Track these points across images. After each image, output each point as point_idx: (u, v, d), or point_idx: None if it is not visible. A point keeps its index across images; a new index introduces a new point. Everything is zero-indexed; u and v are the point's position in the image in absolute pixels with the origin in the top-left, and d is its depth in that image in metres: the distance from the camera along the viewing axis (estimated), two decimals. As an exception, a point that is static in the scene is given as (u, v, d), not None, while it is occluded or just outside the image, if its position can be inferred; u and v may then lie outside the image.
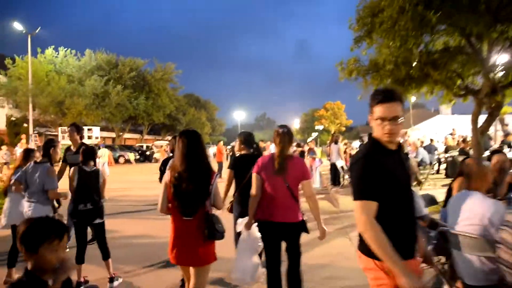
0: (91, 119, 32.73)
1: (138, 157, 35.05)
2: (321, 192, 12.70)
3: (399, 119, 2.05)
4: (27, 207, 4.63)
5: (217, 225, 3.01)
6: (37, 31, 28.81)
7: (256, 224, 3.62)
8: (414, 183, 11.71)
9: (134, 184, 15.96)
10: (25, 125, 29.51)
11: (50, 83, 30.16)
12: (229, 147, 21.77)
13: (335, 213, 8.93)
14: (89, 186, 4.65)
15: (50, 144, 4.97)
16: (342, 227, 7.47)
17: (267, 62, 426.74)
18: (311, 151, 14.59)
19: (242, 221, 3.73)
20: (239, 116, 79.69)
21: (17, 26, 27.76)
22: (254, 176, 3.59)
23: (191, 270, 3.09)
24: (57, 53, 35.17)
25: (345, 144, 17.84)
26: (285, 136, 3.56)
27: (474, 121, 8.14)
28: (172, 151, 5.03)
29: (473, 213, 2.96)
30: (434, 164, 11.93)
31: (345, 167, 13.61)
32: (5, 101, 30.63)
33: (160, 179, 4.33)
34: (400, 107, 2.07)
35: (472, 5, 6.13)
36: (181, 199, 3.01)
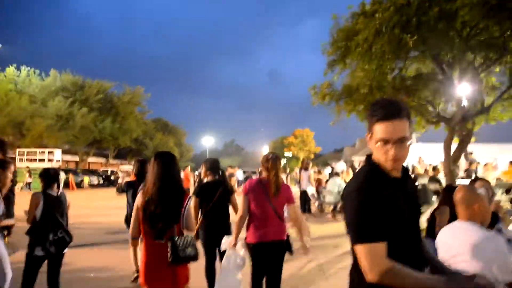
0: (53, 141, 31.41)
1: (102, 181, 33.79)
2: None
3: (407, 141, 1.61)
4: None
5: (183, 249, 2.91)
6: (-2, 48, 27.94)
7: (246, 247, 3.74)
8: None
9: (95, 210, 15.13)
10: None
11: (9, 102, 28.84)
12: (196, 173, 21.27)
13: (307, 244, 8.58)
14: (56, 213, 4.18)
15: None
16: (315, 259, 7.13)
17: (238, 89, 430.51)
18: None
19: (226, 240, 3.90)
20: (208, 142, 79.08)
21: (-23, 42, 26.93)
22: (242, 197, 3.74)
23: None
24: (19, 72, 33.92)
25: (317, 171, 17.73)
26: (277, 161, 3.80)
27: (447, 148, 8.13)
28: (136, 174, 5.31)
29: (467, 247, 2.60)
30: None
31: (315, 194, 13.38)
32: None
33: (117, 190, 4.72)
34: (407, 125, 1.61)
35: (445, 31, 6.15)
36: (152, 222, 2.94)
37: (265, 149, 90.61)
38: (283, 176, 4.26)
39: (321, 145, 55.98)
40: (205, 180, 4.86)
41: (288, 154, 54.47)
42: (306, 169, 13.55)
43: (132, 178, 5.54)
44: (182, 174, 21.99)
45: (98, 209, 15.57)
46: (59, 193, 4.30)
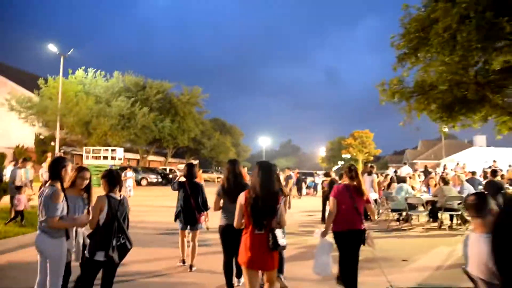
0: (116, 140, 32.61)
1: (160, 179, 34.56)
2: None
3: None
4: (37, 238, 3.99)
5: (279, 239, 3.64)
6: (69, 52, 29.62)
7: (334, 235, 5.00)
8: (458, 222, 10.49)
9: (151, 209, 15.24)
10: (52, 143, 29.63)
11: (78, 103, 30.32)
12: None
13: (371, 254, 7.84)
14: (119, 218, 4.01)
15: (59, 163, 4.12)
16: (380, 273, 6.41)
17: (294, 89, 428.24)
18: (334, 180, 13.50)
19: (319, 231, 5.08)
20: (264, 142, 79.07)
21: (52, 48, 29.26)
22: (332, 199, 5.03)
23: (262, 274, 4.00)
24: (86, 74, 35.67)
25: (384, 176, 16.71)
26: (357, 171, 5.18)
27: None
28: (185, 176, 6.34)
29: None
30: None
31: (379, 201, 12.48)
32: (35, 120, 30.94)
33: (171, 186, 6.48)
34: None
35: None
36: (255, 216, 3.70)
37: (322, 150, 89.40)
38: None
39: (381, 147, 53.87)
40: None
41: (346, 156, 52.90)
42: (370, 173, 12.69)
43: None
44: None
45: (153, 208, 15.68)
46: (121, 196, 4.12)
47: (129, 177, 17.38)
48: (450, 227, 10.14)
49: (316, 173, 36.31)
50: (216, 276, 5.71)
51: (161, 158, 55.10)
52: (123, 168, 30.02)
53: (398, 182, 16.63)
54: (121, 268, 4.77)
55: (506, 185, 12.20)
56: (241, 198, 3.85)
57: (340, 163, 76.94)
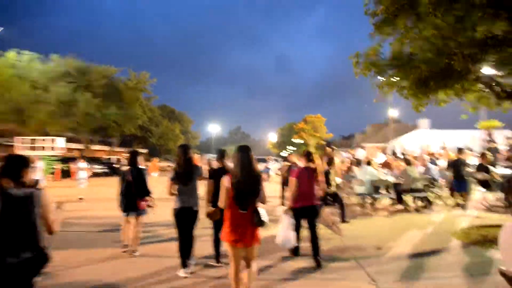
0: (56, 128, 30.14)
1: (106, 170, 32.68)
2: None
3: None
4: None
5: (263, 216, 3.96)
6: (-1, 31, 26.65)
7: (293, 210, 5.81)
8: (423, 204, 10.22)
9: (95, 202, 13.96)
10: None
11: (10, 88, 27.55)
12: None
13: (341, 243, 7.25)
14: (17, 222, 2.82)
15: None
16: (357, 265, 5.81)
17: (245, 76, 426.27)
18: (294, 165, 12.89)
19: (282, 208, 6.00)
20: (213, 129, 77.98)
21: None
22: (294, 180, 5.88)
23: (244, 251, 4.00)
24: (20, 56, 32.56)
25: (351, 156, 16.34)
26: (312, 156, 6.18)
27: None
28: (129, 163, 6.46)
29: None
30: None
31: (341, 185, 12.03)
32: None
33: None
34: None
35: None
36: (240, 198, 3.95)
37: (272, 136, 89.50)
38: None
39: (331, 132, 54.51)
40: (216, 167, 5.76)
41: (298, 140, 52.99)
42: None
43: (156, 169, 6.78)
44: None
45: (95, 201, 14.39)
46: (29, 190, 2.88)
47: (81, 168, 15.54)
48: (416, 210, 9.84)
49: (268, 158, 35.67)
50: (163, 260, 6.03)
51: (107, 148, 52.49)
52: (69, 159, 27.95)
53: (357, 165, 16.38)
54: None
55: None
56: (226, 181, 4.03)
57: (291, 148, 77.58)
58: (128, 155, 6.66)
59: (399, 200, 10.04)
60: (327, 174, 8.88)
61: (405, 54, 6.72)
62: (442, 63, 5.68)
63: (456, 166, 11.19)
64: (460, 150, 13.10)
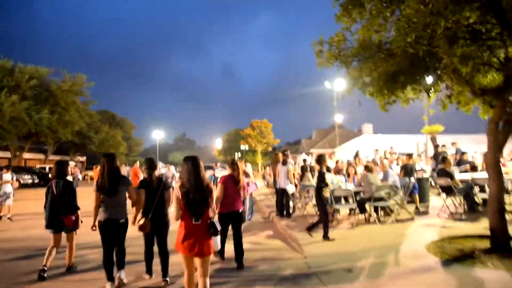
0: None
1: (36, 180, 29.74)
2: (260, 225, 10.00)
3: None
4: None
5: (216, 225, 4.07)
6: None
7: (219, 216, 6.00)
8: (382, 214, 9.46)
9: (22, 219, 12.04)
10: None
11: None
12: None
13: (305, 265, 6.20)
14: None
15: None
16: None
17: (190, 83, 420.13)
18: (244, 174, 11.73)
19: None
20: (158, 136, 75.22)
21: None
22: (220, 185, 6.11)
23: (197, 261, 4.08)
24: None
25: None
26: (237, 165, 6.43)
27: (492, 131, 5.98)
28: (54, 175, 6.11)
29: None
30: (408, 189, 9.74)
31: (296, 194, 11.04)
32: None
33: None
34: None
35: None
36: (190, 208, 4.04)
37: (218, 143, 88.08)
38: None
39: (278, 137, 54.03)
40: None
41: (244, 146, 51.94)
42: (285, 162, 11.18)
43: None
44: (128, 170, 19.02)
45: (22, 217, 12.43)
46: None
47: (5, 181, 12.20)
48: (378, 220, 9.03)
49: (215, 165, 34.09)
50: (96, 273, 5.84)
51: (41, 156, 48.49)
52: None
53: (306, 171, 15.51)
54: None
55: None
56: (176, 192, 4.11)
57: (237, 154, 76.55)
58: (54, 166, 6.25)
59: (361, 210, 9.19)
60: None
61: (374, 43, 5.82)
62: (421, 50, 4.80)
63: (408, 171, 10.65)
64: (409, 156, 12.70)
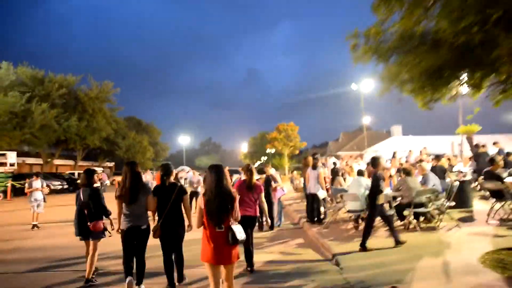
0: (6, 141, 27.39)
1: (66, 186, 30.11)
2: (290, 232, 9.43)
3: None
4: None
5: (237, 234, 3.97)
6: None
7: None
8: (421, 220, 8.73)
9: (48, 227, 11.90)
10: None
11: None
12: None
13: (344, 281, 5.62)
14: None
15: None
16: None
17: (215, 89, 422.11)
18: (271, 177, 11.13)
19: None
20: (184, 141, 75.72)
21: None
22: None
23: (222, 268, 4.06)
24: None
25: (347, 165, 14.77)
26: (252, 170, 6.33)
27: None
28: (83, 184, 6.16)
29: None
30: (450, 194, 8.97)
31: (328, 199, 10.43)
32: None
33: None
34: None
35: None
36: (212, 216, 4.00)
37: (244, 146, 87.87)
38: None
39: (304, 140, 53.11)
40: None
41: (271, 150, 51.40)
42: (315, 167, 10.60)
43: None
44: (153, 176, 18.79)
45: (49, 224, 12.28)
46: None
47: (35, 188, 12.04)
48: (419, 227, 8.31)
49: (242, 169, 33.59)
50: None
51: (71, 162, 49.41)
52: (26, 175, 24.84)
53: (336, 175, 14.86)
54: None
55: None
56: (200, 201, 4.13)
57: (264, 158, 76.01)
58: (82, 174, 6.34)
59: (400, 217, 8.50)
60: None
61: (416, 35, 5.20)
62: (476, 39, 4.17)
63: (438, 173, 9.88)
64: (438, 157, 11.86)
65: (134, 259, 5.21)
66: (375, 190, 6.85)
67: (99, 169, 27.21)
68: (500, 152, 16.33)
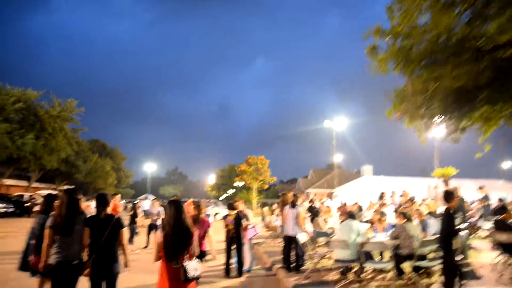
0: None
1: (12, 209, 27.25)
2: (262, 281, 7.85)
3: None
4: None
5: (191, 271, 4.01)
6: None
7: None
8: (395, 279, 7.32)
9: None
10: None
11: None
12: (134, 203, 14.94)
13: None
14: None
15: None
16: None
17: (185, 120, 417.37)
18: (241, 214, 9.55)
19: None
20: (150, 168, 72.93)
21: None
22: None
23: None
24: None
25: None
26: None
27: None
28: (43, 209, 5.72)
29: None
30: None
31: (309, 243, 8.88)
32: None
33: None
34: None
35: None
36: (168, 252, 4.07)
37: (211, 178, 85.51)
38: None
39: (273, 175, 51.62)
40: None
41: (239, 183, 49.60)
42: (294, 205, 9.12)
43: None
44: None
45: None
46: None
47: None
48: (415, 283, 6.86)
49: (208, 202, 31.40)
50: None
51: (24, 183, 45.82)
52: None
53: (315, 215, 13.48)
54: None
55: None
56: (158, 235, 4.18)
57: (231, 191, 73.80)
58: (44, 198, 5.87)
59: (399, 272, 7.06)
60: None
61: (454, 40, 3.96)
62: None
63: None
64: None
65: None
66: (449, 231, 5.44)
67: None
68: (486, 197, 15.45)
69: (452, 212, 5.54)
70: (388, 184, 28.42)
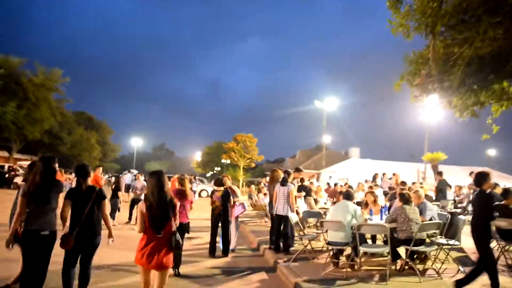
0: None
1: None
2: (248, 261, 7.44)
3: None
4: None
5: (178, 240, 4.13)
6: None
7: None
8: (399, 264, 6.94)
9: None
10: None
11: None
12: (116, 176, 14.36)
13: None
14: None
15: None
16: None
17: (174, 95, 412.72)
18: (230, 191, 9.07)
19: None
20: (136, 143, 71.89)
21: None
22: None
23: (155, 273, 4.08)
24: None
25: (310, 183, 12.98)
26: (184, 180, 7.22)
27: None
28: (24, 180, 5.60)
29: None
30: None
31: (300, 223, 8.44)
32: None
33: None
34: None
35: None
36: (153, 222, 4.07)
37: (198, 155, 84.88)
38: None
39: (261, 154, 51.23)
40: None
41: (226, 161, 49.14)
42: (284, 182, 8.65)
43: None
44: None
45: None
46: None
47: None
48: (414, 269, 6.50)
49: (193, 177, 30.53)
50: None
51: (5, 153, 44.61)
52: None
53: (308, 194, 13.04)
54: None
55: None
56: (141, 206, 4.16)
57: (217, 168, 73.38)
58: (27, 167, 5.64)
59: (396, 256, 6.68)
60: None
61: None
62: None
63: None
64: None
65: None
66: (488, 215, 5.02)
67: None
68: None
69: (491, 194, 5.13)
70: (375, 167, 28.22)
